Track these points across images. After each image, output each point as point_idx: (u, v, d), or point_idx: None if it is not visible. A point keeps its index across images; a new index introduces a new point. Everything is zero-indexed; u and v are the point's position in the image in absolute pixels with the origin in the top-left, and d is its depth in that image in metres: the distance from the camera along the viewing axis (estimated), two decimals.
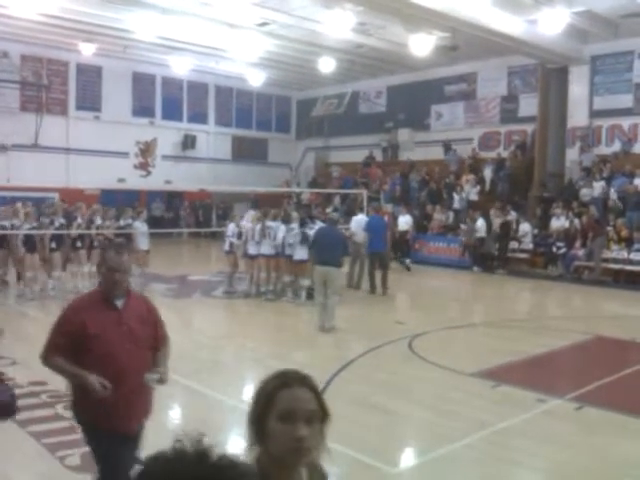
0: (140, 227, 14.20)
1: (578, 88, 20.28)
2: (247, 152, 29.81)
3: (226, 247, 14.08)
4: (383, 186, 24.53)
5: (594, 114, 20.16)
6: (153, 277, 14.89)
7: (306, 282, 12.81)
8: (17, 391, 6.81)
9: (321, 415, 1.75)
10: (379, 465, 5.23)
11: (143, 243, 14.10)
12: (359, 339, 10.05)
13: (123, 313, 3.56)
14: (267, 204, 17.83)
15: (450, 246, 19.67)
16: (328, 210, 19.78)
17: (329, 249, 10.28)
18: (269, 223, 13.23)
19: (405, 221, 19.58)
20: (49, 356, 3.51)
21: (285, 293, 13.27)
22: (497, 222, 18.47)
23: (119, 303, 3.56)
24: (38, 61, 23.63)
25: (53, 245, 12.93)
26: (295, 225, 12.95)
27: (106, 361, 3.39)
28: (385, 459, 5.38)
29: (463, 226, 19.48)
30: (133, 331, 3.53)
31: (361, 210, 17.73)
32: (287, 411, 1.69)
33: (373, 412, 6.49)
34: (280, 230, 12.99)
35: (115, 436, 3.42)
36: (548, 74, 20.68)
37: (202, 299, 13.44)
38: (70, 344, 3.43)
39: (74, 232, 13.38)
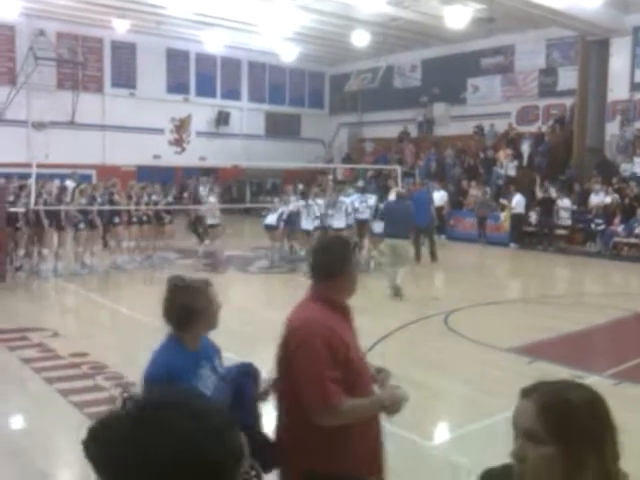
0: (214, 202, 14.93)
1: (619, 60, 19.72)
2: (280, 128, 29.75)
3: (272, 222, 14.35)
4: (418, 162, 24.30)
5: (635, 87, 19.61)
6: (189, 252, 15.07)
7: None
8: (58, 362, 7.03)
9: (547, 438, 1.36)
10: (414, 438, 5.25)
11: (214, 218, 14.59)
12: (395, 313, 10.03)
13: (352, 326, 2.76)
14: (301, 180, 17.89)
15: (487, 222, 19.41)
16: (359, 184, 19.97)
17: (397, 222, 10.92)
18: (341, 198, 14.11)
19: (440, 197, 19.42)
20: (338, 401, 2.43)
21: None
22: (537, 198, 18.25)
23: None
24: (73, 38, 23.82)
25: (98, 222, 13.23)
26: (371, 199, 14.36)
27: (363, 391, 2.58)
28: (420, 432, 5.40)
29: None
30: (360, 348, 2.79)
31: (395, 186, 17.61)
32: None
33: (408, 386, 6.47)
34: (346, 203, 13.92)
35: None
36: (588, 46, 20.12)
37: (237, 274, 13.57)
38: (342, 377, 2.48)
39: (132, 207, 13.83)
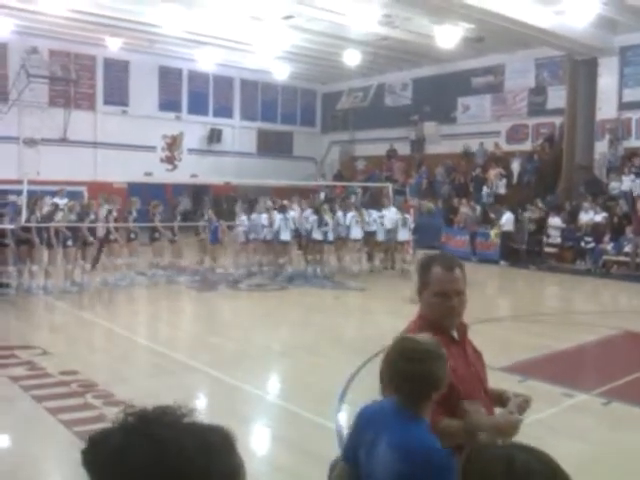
0: (243, 220, 15.87)
1: (607, 80, 19.96)
2: (272, 146, 29.84)
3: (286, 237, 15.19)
4: (408, 179, 24.41)
5: (623, 106, 19.83)
6: (178, 270, 15.04)
7: None
8: (47, 380, 6.98)
9: None
10: None
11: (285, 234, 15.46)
12: (383, 331, 10.02)
13: (467, 349, 2.66)
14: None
15: (477, 240, 19.48)
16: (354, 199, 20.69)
17: (429, 234, 12.22)
18: (406, 215, 16.19)
19: None
20: (433, 419, 2.27)
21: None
22: (527, 217, 18.39)
23: (455, 335, 2.67)
24: (66, 56, 23.91)
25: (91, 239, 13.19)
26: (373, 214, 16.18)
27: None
28: None
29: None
30: (479, 374, 2.65)
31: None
32: None
33: None
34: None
35: None
36: (576, 66, 20.37)
37: (226, 291, 13.55)
38: (444, 397, 2.31)
39: (131, 224, 13.99)
